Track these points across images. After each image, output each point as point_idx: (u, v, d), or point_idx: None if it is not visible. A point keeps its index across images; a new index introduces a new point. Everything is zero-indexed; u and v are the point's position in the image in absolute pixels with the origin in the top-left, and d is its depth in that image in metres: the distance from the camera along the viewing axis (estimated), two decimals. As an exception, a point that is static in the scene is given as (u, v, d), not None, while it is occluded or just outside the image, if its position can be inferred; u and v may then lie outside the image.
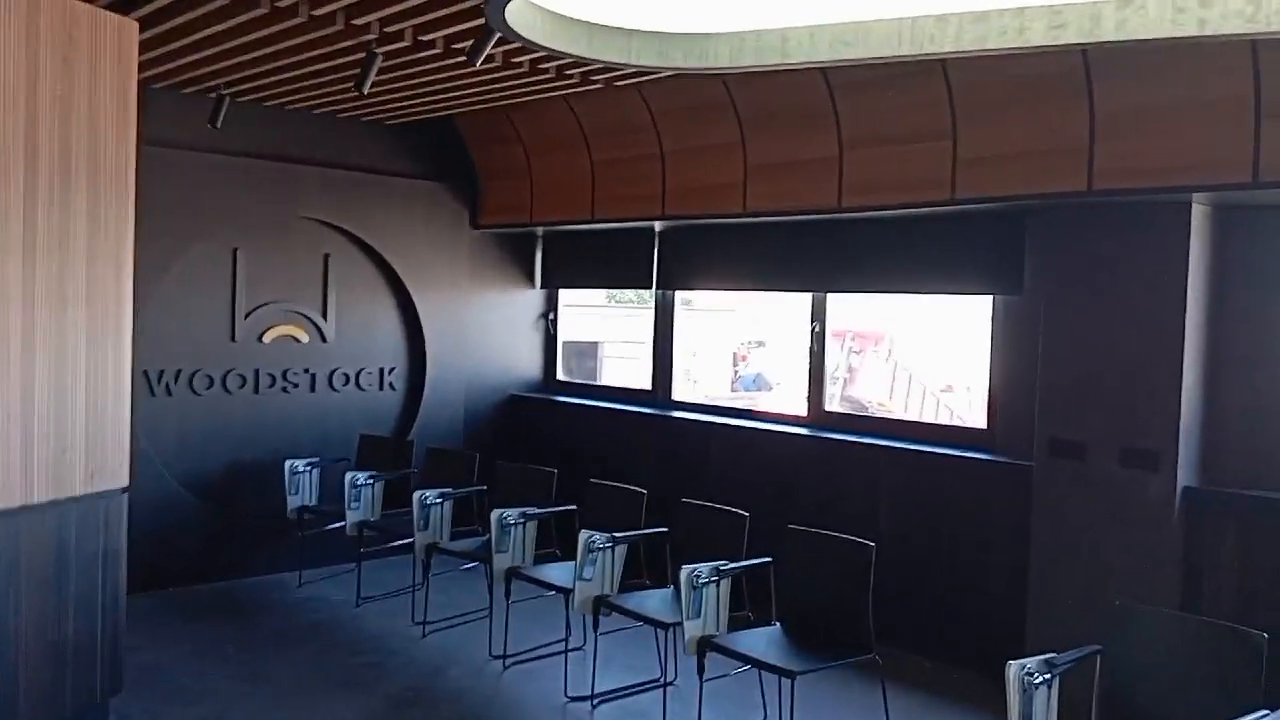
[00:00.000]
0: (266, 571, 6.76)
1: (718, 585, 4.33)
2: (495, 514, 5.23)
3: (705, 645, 4.24)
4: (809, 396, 6.52)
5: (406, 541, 5.96)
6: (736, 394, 12.66)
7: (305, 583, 6.61)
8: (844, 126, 5.48)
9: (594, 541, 4.78)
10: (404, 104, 6.56)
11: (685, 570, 4.27)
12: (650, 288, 7.33)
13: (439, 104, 6.54)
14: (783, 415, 6.68)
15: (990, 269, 5.55)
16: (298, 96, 6.41)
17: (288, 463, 6.53)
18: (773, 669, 4.06)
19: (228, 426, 6.68)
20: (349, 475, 6.16)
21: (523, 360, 8.14)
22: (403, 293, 7.41)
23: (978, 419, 5.73)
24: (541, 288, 8.23)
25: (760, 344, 13.51)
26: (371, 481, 6.21)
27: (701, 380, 11.47)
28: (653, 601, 4.83)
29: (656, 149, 6.45)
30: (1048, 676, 3.23)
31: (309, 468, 6.59)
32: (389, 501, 6.34)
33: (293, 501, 6.53)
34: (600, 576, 4.80)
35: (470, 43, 4.57)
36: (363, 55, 5.11)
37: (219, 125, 6.03)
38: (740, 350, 13.64)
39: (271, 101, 6.55)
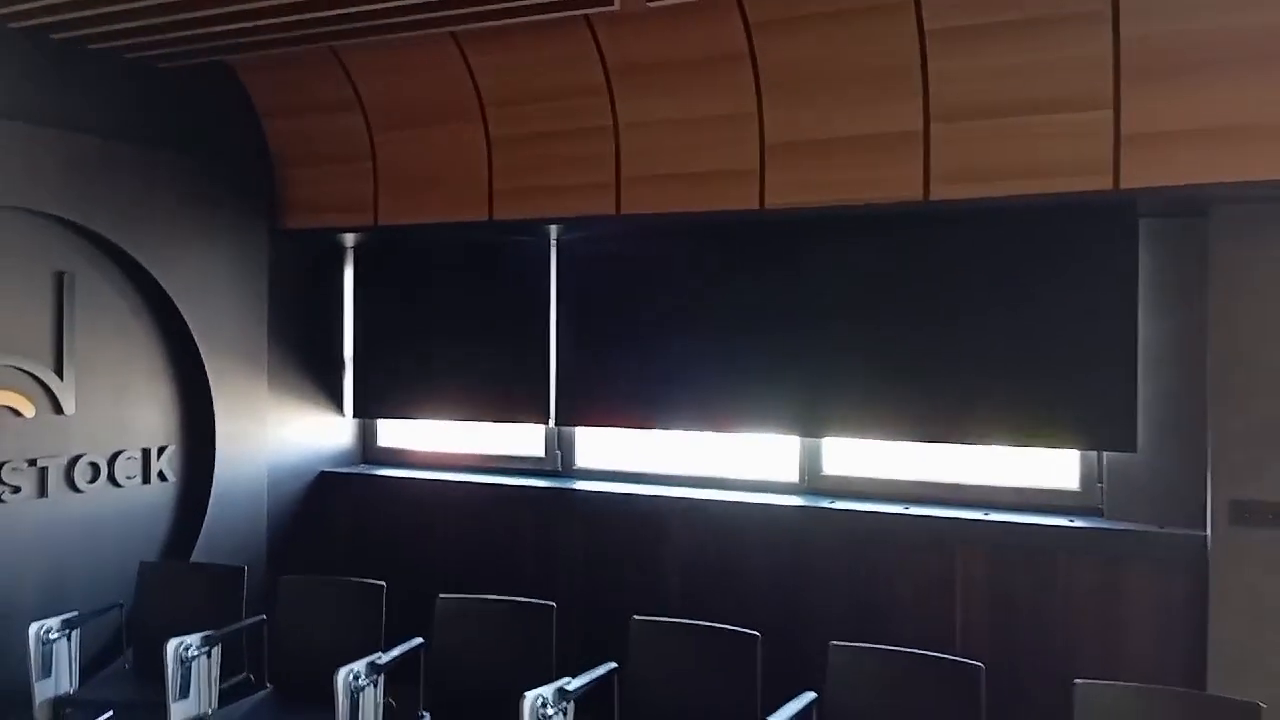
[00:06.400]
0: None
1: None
2: (530, 702, 3.09)
3: None
4: (801, 458, 4.90)
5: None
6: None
7: (72, 826, 3.92)
8: (934, 90, 3.96)
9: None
10: (206, 28, 4.12)
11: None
12: (546, 421, 5.29)
13: (270, 29, 4.19)
14: (764, 482, 4.97)
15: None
16: (25, 6, 3.78)
17: (33, 628, 3.83)
18: None
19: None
20: (174, 644, 3.62)
21: (339, 422, 5.76)
22: (178, 329, 4.82)
23: (1061, 477, 4.43)
24: (355, 417, 5.84)
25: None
26: (206, 649, 3.71)
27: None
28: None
29: (608, 120, 4.53)
30: None
31: (65, 630, 3.92)
32: (225, 670, 3.87)
33: (43, 689, 3.84)
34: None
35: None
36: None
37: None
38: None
39: (-17, 9, 3.85)
